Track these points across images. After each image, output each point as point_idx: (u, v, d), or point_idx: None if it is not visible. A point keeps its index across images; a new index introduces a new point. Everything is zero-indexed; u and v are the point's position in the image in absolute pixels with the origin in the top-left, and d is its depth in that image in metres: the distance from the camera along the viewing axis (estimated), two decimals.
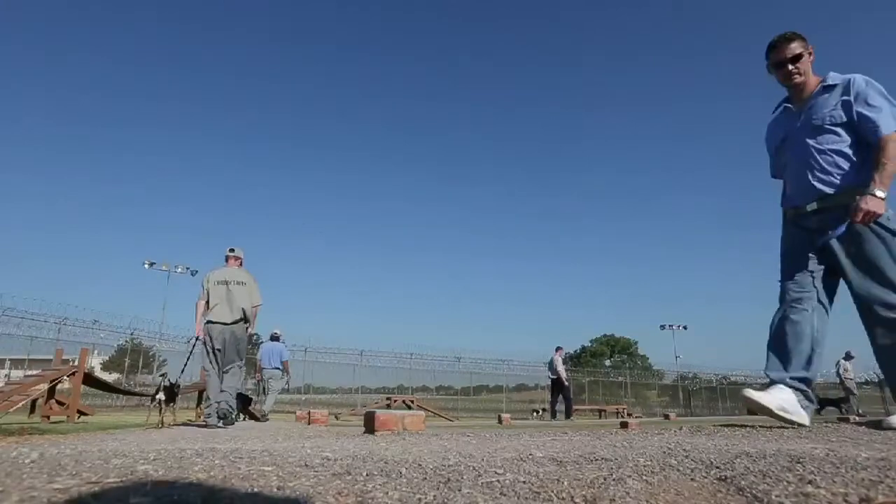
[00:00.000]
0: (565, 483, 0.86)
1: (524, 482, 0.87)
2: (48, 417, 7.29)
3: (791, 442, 1.57)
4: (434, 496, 0.78)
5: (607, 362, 43.60)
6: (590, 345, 48.75)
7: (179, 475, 0.91)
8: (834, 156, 2.43)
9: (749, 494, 0.79)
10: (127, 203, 74.91)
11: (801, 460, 1.06)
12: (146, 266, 27.55)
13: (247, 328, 5.19)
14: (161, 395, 5.14)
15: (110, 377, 19.50)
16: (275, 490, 0.81)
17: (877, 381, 20.29)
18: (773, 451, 1.32)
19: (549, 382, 12.78)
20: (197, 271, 29.15)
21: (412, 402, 13.48)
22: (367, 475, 0.93)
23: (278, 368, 9.68)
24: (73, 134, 76.96)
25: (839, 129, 2.42)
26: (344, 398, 21.83)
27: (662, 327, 33.47)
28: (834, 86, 2.46)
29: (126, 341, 18.34)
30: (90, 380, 8.55)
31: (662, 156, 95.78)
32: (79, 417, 7.37)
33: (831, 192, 2.41)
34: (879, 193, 2.24)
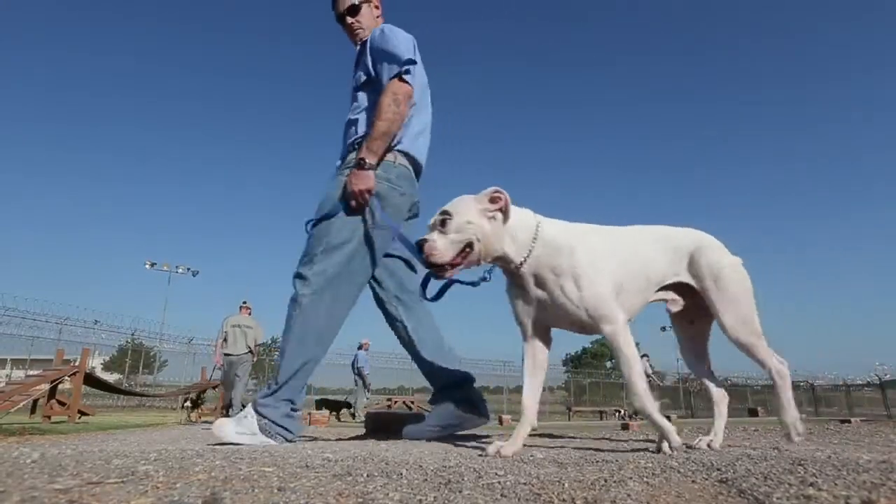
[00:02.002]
0: (566, 485, 0.86)
1: (525, 484, 0.87)
2: (49, 417, 7.30)
3: (793, 444, 1.57)
4: (435, 497, 0.78)
5: (608, 363, 43.53)
6: (591, 346, 48.70)
7: (180, 476, 0.91)
8: (353, 126, 2.06)
9: (750, 497, 0.78)
10: (127, 203, 75.01)
11: (802, 463, 1.06)
12: (147, 266, 27.57)
13: (252, 358, 7.71)
14: (188, 404, 9.12)
15: (111, 377, 19.50)
16: (275, 491, 0.81)
17: (878, 382, 20.25)
18: (774, 454, 1.32)
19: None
20: (198, 272, 29.18)
21: (412, 403, 13.47)
22: (367, 476, 0.93)
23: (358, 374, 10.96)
24: (74, 134, 77.09)
25: (361, 93, 2.06)
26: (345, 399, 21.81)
27: (663, 329, 33.36)
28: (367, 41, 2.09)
29: (127, 342, 18.32)
30: (91, 380, 8.56)
31: (662, 155, 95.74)
32: (80, 418, 7.38)
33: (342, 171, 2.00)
34: (365, 162, 1.84)
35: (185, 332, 17.86)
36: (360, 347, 11.38)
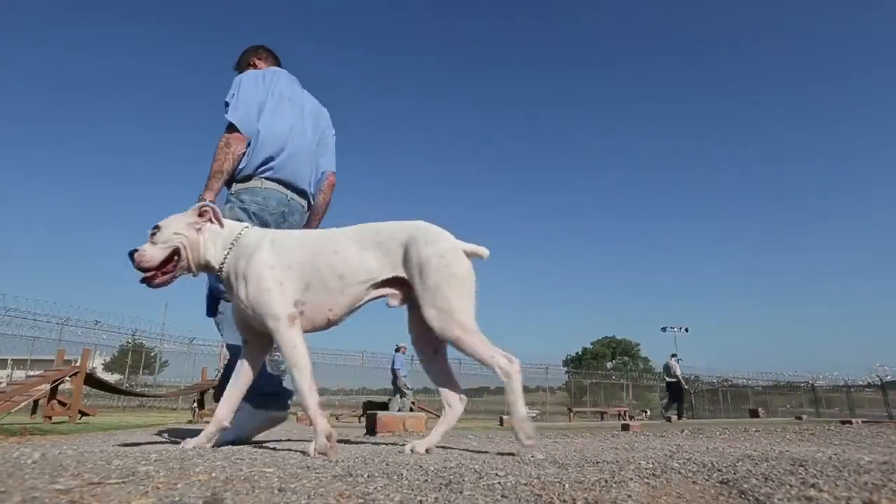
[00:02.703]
0: (566, 486, 0.86)
1: (525, 484, 0.87)
2: (50, 418, 7.29)
3: (794, 445, 1.56)
4: (435, 498, 0.78)
5: (609, 364, 43.49)
6: (591, 347, 48.65)
7: (181, 476, 0.91)
8: None
9: (751, 498, 0.78)
10: (127, 203, 74.98)
11: (803, 464, 1.06)
12: None
13: None
14: (195, 405, 9.77)
15: (112, 378, 19.48)
16: (276, 491, 0.81)
17: (879, 383, 20.23)
18: (775, 455, 1.32)
19: (665, 384, 13.09)
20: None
21: (413, 403, 13.46)
22: (368, 477, 0.93)
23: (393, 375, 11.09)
24: (74, 134, 77.17)
25: None
26: (345, 399, 21.84)
27: (664, 329, 33.34)
28: None
29: (128, 342, 18.32)
30: (92, 380, 8.56)
31: (662, 155, 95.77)
32: (80, 418, 7.38)
33: None
34: (204, 200, 2.05)
35: (185, 332, 17.84)
36: (396, 350, 11.60)
